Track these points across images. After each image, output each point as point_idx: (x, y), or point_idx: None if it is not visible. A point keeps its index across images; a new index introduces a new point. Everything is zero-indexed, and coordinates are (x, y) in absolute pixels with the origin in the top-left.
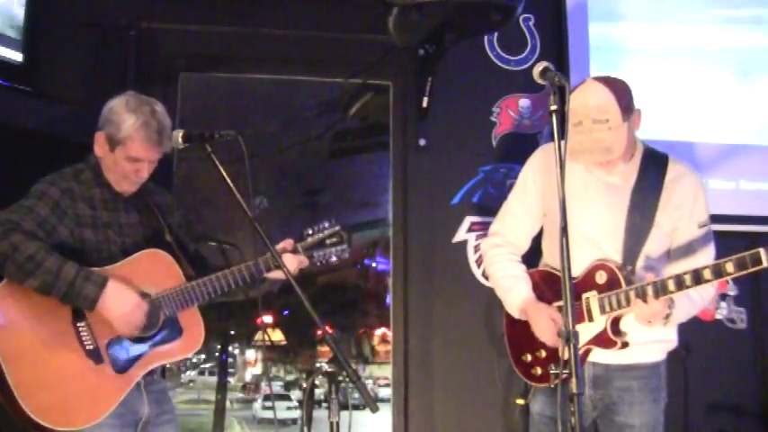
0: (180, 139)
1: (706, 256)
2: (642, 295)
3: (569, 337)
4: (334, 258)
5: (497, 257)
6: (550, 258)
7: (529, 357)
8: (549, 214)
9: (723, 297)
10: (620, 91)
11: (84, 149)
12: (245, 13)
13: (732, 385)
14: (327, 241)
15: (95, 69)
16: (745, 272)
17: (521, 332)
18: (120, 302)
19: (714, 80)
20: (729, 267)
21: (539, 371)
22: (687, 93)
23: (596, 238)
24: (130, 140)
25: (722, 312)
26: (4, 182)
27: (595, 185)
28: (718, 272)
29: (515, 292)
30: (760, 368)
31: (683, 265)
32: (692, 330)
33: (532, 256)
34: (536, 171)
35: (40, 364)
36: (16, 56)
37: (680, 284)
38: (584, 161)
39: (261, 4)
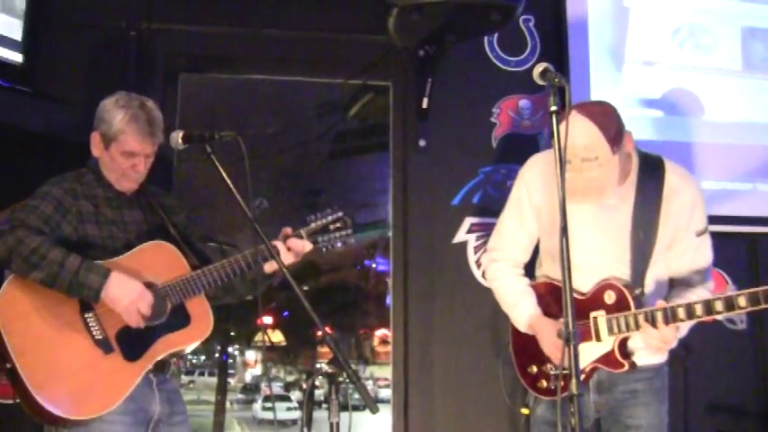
0: (180, 140)
1: (703, 264)
2: (652, 321)
3: (569, 338)
4: (339, 244)
5: (499, 272)
6: (551, 270)
7: (535, 369)
8: (546, 233)
9: None
10: (607, 123)
11: (83, 150)
12: (245, 13)
13: (732, 385)
14: (331, 227)
15: (95, 70)
16: (757, 308)
17: (527, 343)
18: (124, 292)
19: (716, 77)
20: (742, 302)
21: (544, 384)
22: (689, 91)
23: (601, 263)
24: (122, 134)
25: None
26: (4, 182)
27: (591, 211)
28: (730, 305)
29: (521, 307)
30: (760, 368)
31: (681, 274)
32: (693, 330)
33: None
34: (529, 186)
35: (51, 356)
36: (16, 57)
37: (690, 314)
38: (577, 201)
39: (261, 5)
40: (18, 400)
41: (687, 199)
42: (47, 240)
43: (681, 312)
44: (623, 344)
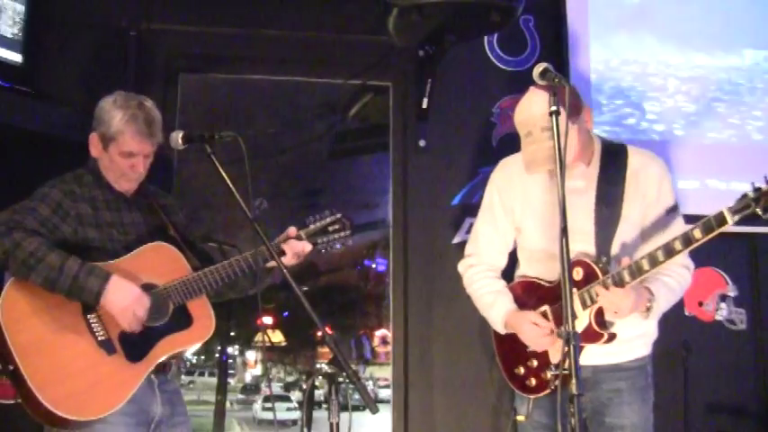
0: (180, 140)
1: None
2: (620, 281)
3: (569, 338)
4: (338, 245)
5: (475, 276)
6: (527, 269)
7: (522, 370)
8: (522, 229)
9: (723, 298)
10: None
11: (83, 150)
12: (245, 13)
13: (732, 386)
14: (330, 228)
15: (95, 70)
16: (712, 234)
17: (509, 347)
18: (121, 296)
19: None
20: (697, 233)
21: (533, 381)
22: (686, 93)
23: (570, 247)
24: (121, 135)
25: (722, 313)
26: (4, 182)
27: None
28: (687, 240)
29: (497, 307)
30: (760, 369)
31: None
32: (692, 331)
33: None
34: (500, 188)
35: (54, 356)
36: (16, 57)
37: (653, 262)
38: (541, 170)
39: (261, 5)
40: (19, 401)
41: (652, 172)
42: (44, 243)
43: (645, 264)
44: (599, 315)
